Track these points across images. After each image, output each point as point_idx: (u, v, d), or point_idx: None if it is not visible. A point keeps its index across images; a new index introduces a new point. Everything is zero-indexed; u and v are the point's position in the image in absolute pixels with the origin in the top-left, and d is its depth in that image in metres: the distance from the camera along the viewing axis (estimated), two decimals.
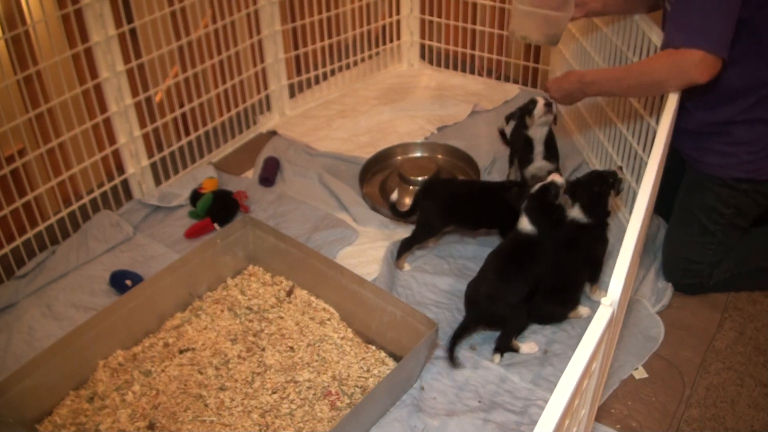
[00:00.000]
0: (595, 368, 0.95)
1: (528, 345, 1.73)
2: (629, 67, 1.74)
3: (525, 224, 1.74)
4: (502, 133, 2.26)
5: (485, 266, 1.74)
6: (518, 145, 2.13)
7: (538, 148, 2.06)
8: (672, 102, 1.50)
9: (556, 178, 1.76)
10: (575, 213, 1.74)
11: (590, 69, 2.18)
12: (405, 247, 1.97)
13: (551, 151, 2.09)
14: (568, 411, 0.80)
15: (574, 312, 1.79)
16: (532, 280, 1.70)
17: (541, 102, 1.99)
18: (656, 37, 1.75)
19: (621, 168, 1.79)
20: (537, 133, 2.04)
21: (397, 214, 2.01)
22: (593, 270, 1.80)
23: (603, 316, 0.89)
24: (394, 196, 1.96)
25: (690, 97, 1.74)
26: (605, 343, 0.96)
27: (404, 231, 2.11)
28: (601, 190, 1.73)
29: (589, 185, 1.74)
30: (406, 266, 1.98)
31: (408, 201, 2.22)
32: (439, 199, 1.94)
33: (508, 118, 2.11)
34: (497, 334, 1.74)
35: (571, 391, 0.78)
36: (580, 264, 1.77)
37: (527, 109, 2.03)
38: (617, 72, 1.76)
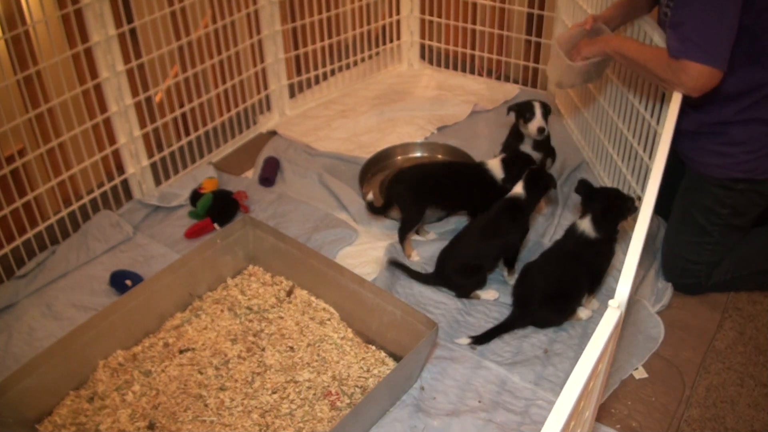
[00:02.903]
0: (601, 370, 0.95)
1: (488, 292, 1.87)
2: (653, 48, 1.70)
3: (519, 188, 1.85)
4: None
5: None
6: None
7: (528, 140, 2.10)
8: (675, 105, 1.50)
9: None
10: (584, 226, 1.71)
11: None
12: (401, 237, 2.00)
13: (543, 145, 2.12)
14: (575, 412, 0.80)
15: (574, 314, 1.78)
16: (470, 254, 1.84)
17: (536, 122, 2.02)
18: (659, 37, 1.75)
19: (639, 198, 1.75)
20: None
21: (373, 211, 2.04)
22: (594, 282, 1.78)
23: (611, 318, 0.89)
24: (370, 196, 2.00)
25: (687, 98, 1.74)
26: (611, 345, 0.96)
27: None
28: (617, 211, 1.70)
29: (606, 202, 1.71)
30: (414, 255, 2.01)
31: None
32: (408, 184, 1.98)
33: (509, 110, 2.14)
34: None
35: (578, 393, 0.78)
36: (581, 275, 1.75)
37: (523, 114, 2.06)
38: (642, 45, 1.73)
